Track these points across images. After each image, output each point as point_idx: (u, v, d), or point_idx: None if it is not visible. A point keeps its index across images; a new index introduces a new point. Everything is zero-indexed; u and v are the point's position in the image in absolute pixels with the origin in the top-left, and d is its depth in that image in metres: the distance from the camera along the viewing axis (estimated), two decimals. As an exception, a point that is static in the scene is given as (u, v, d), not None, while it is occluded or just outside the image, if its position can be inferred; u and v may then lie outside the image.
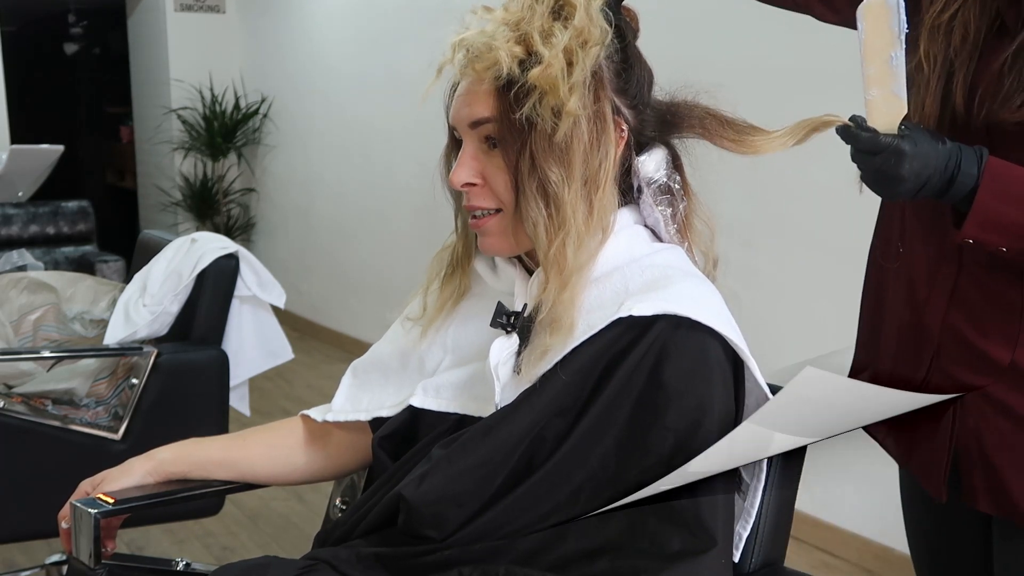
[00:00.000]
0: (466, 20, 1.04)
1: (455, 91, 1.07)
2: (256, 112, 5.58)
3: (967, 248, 1.07)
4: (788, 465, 1.12)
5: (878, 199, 1.18)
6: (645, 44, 1.11)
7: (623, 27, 1.06)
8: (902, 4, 0.97)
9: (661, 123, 1.08)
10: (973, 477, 1.13)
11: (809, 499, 2.74)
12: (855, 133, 1.02)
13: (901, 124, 1.01)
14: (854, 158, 1.06)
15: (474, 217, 1.07)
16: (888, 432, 1.27)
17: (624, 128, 1.05)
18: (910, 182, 1.01)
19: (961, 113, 1.08)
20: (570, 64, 0.97)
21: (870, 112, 1.03)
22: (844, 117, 1.03)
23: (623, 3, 1.10)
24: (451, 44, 1.03)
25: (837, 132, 1.05)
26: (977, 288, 1.10)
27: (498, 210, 1.05)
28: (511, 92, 0.99)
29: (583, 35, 0.98)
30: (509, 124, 1.00)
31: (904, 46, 0.99)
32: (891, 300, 1.22)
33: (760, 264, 2.84)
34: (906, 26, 0.98)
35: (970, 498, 1.14)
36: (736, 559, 1.06)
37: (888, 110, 1.02)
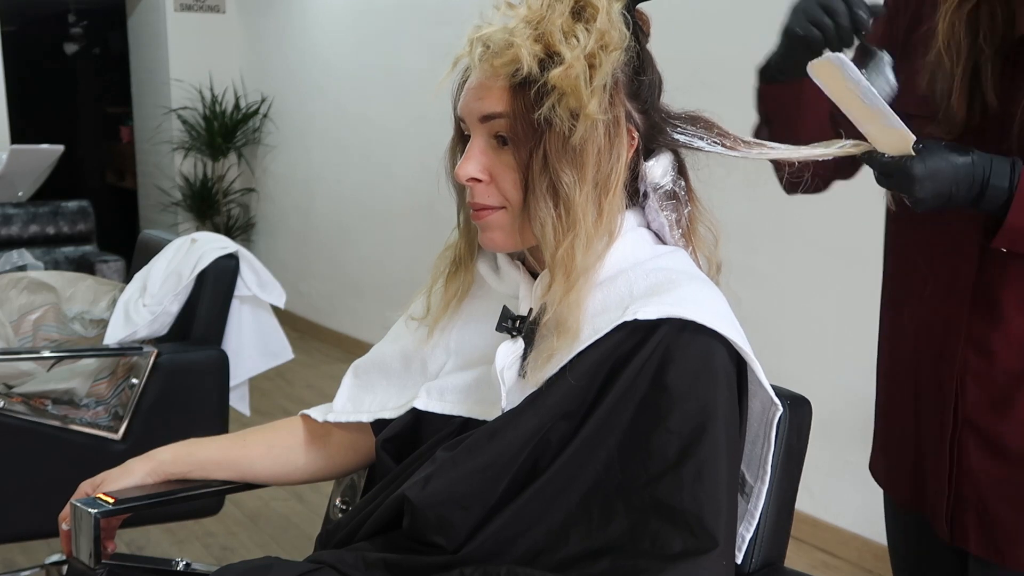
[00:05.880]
0: (487, 15, 1.01)
1: (465, 83, 1.04)
2: (256, 112, 5.58)
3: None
4: (789, 466, 1.12)
5: (878, 201, 1.18)
6: (651, 44, 1.11)
7: (637, 30, 1.04)
8: (843, 58, 0.95)
9: (667, 129, 1.07)
10: (966, 519, 1.14)
11: (809, 499, 2.74)
12: (873, 156, 1.02)
13: (916, 143, 1.00)
14: (878, 180, 1.07)
15: (475, 209, 1.05)
16: (887, 475, 1.27)
17: (635, 134, 1.04)
18: (930, 200, 1.02)
19: (995, 106, 1.05)
20: (591, 67, 0.96)
21: (875, 143, 1.03)
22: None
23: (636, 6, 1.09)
24: (469, 39, 1.01)
25: (861, 158, 1.06)
26: None
27: (502, 207, 1.04)
28: (530, 91, 0.97)
29: (604, 38, 0.96)
30: (525, 123, 0.98)
31: (874, 85, 0.97)
32: None
33: (760, 265, 2.84)
34: (859, 73, 0.96)
35: (962, 539, 1.15)
36: (739, 560, 1.06)
37: (892, 138, 1.01)
